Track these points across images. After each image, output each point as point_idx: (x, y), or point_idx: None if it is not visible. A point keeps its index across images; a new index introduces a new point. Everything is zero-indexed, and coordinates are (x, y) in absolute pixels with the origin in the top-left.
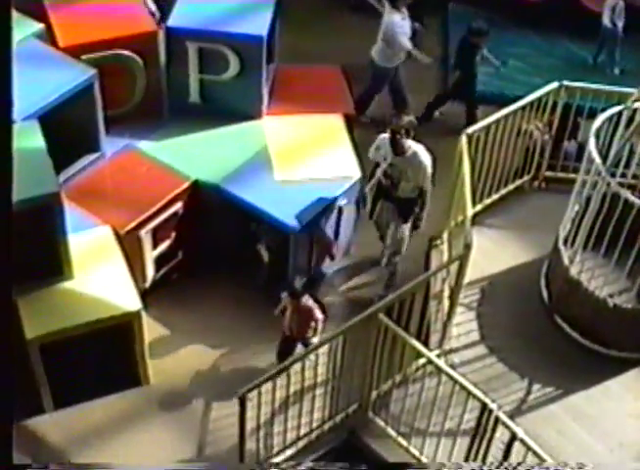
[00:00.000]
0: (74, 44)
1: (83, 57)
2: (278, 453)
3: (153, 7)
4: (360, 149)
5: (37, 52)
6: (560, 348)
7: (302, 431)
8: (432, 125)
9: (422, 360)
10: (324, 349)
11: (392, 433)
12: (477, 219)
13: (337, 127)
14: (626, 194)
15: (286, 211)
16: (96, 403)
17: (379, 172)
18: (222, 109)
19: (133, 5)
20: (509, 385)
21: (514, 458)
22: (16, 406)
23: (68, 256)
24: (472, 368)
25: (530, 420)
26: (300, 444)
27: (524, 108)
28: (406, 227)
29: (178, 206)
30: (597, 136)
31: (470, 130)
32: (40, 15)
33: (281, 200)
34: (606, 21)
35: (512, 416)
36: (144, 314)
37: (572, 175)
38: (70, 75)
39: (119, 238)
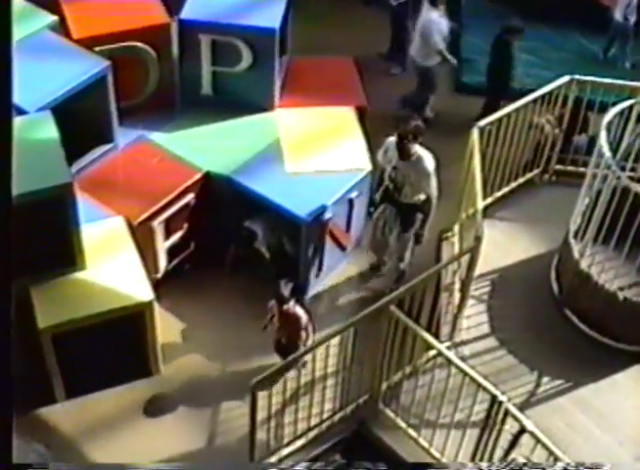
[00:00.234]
0: (88, 36)
1: (96, 49)
2: (288, 444)
3: None
4: (372, 142)
5: (51, 44)
6: (569, 341)
7: (313, 422)
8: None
9: (432, 352)
10: (335, 340)
11: (402, 424)
12: (487, 212)
13: (349, 120)
14: (637, 188)
15: (297, 202)
16: (107, 393)
17: (385, 177)
18: (234, 101)
19: None
20: (518, 377)
21: (524, 450)
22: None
23: (81, 246)
24: (482, 360)
25: (539, 412)
26: (311, 434)
27: (535, 101)
28: (409, 235)
29: (190, 197)
30: (608, 130)
31: (482, 123)
32: (54, 7)
33: (292, 192)
34: (618, 15)
35: (521, 408)
36: (156, 305)
37: (582, 169)
38: (84, 67)
39: (132, 229)
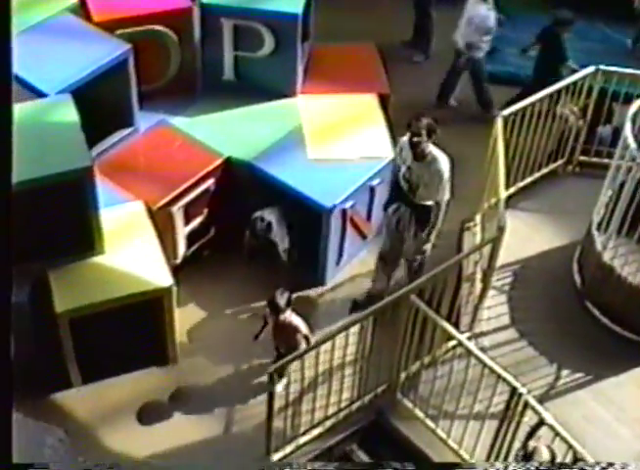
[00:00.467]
0: (109, 19)
1: (118, 32)
2: (305, 433)
3: None
4: (394, 129)
5: (71, 26)
6: (590, 333)
7: (330, 411)
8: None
9: (452, 343)
10: (354, 328)
11: (420, 415)
12: (510, 202)
13: (371, 107)
14: None
15: (318, 189)
16: (124, 378)
17: (400, 177)
18: (256, 86)
19: None
20: (538, 369)
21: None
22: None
23: (100, 230)
24: (501, 352)
25: (558, 405)
26: (328, 423)
27: (559, 91)
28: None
29: (210, 182)
30: (633, 122)
31: (505, 113)
32: None
33: (313, 179)
34: None
35: (540, 401)
36: (174, 290)
37: (606, 160)
38: (105, 50)
39: (151, 214)
